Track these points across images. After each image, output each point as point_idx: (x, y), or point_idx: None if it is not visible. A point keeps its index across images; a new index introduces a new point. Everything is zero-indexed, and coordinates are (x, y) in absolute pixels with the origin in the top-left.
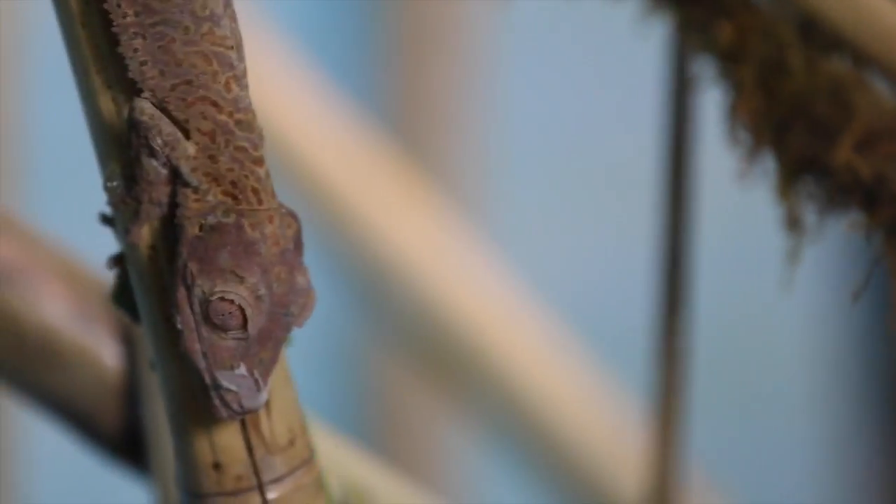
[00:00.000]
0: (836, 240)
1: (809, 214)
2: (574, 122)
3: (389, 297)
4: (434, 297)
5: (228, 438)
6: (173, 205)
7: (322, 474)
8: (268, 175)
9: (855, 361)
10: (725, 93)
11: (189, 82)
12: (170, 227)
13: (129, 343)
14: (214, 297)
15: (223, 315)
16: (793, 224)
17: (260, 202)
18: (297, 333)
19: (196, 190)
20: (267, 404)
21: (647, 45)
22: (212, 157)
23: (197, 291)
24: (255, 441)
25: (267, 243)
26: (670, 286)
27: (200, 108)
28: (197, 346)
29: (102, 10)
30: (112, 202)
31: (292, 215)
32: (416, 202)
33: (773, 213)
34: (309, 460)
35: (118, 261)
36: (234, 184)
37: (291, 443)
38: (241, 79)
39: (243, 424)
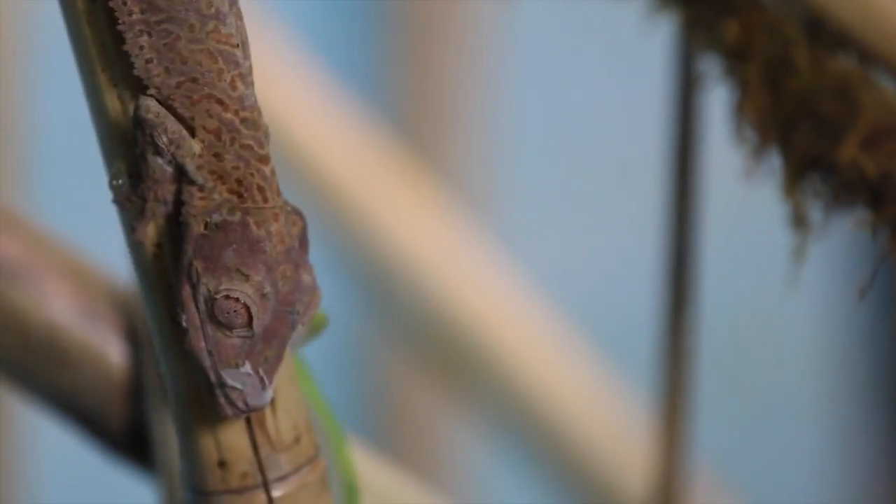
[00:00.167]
0: (842, 237)
1: (815, 212)
2: (580, 121)
3: (396, 295)
4: (440, 295)
5: (234, 436)
6: (179, 203)
7: (327, 472)
8: (273, 173)
9: (861, 359)
10: (731, 91)
11: (194, 80)
12: (175, 226)
13: (135, 341)
14: (220, 296)
15: (228, 313)
16: (799, 222)
17: (265, 200)
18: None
19: (201, 188)
20: (272, 402)
21: (654, 43)
22: (217, 155)
23: (202, 289)
24: (260, 439)
25: (272, 241)
26: (676, 284)
27: (206, 106)
28: (202, 345)
29: (108, 8)
30: (117, 200)
31: (297, 213)
32: (422, 200)
33: (779, 211)
34: (314, 458)
35: None
36: (239, 182)
37: (297, 441)
38: (246, 77)
39: (248, 422)
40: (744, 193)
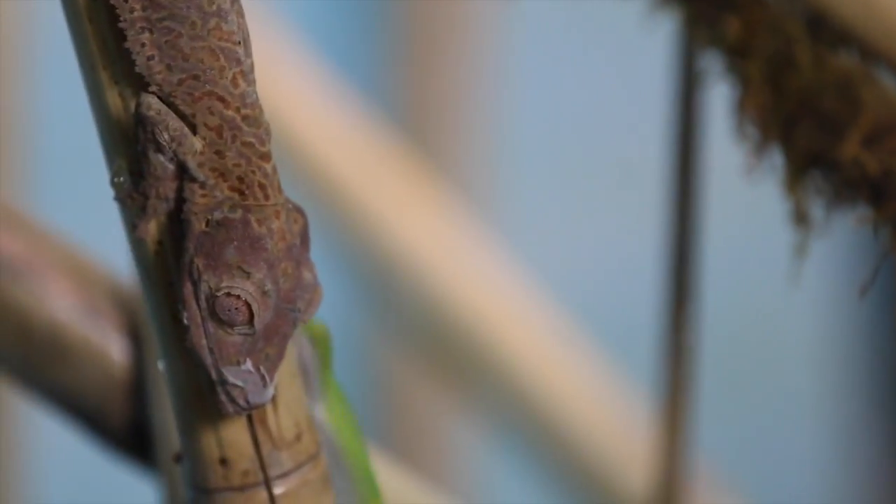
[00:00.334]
0: (843, 235)
1: (817, 209)
2: (582, 118)
3: (397, 292)
4: (442, 293)
5: (235, 434)
6: (180, 200)
7: (329, 470)
8: (275, 170)
9: (863, 356)
10: (733, 88)
11: (196, 77)
12: (177, 223)
13: (136, 339)
14: (221, 293)
15: (229, 310)
16: (800, 219)
17: (266, 197)
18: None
19: (203, 185)
20: (273, 400)
21: (655, 40)
22: (219, 153)
23: (203, 287)
24: (261, 436)
25: (273, 239)
26: (678, 282)
27: (207, 104)
28: (203, 342)
29: (109, 6)
30: (119, 197)
31: (299, 210)
32: (424, 198)
33: (780, 208)
34: (315, 455)
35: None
36: (240, 179)
37: (298, 438)
38: (248, 74)
39: (250, 420)
40: (745, 191)
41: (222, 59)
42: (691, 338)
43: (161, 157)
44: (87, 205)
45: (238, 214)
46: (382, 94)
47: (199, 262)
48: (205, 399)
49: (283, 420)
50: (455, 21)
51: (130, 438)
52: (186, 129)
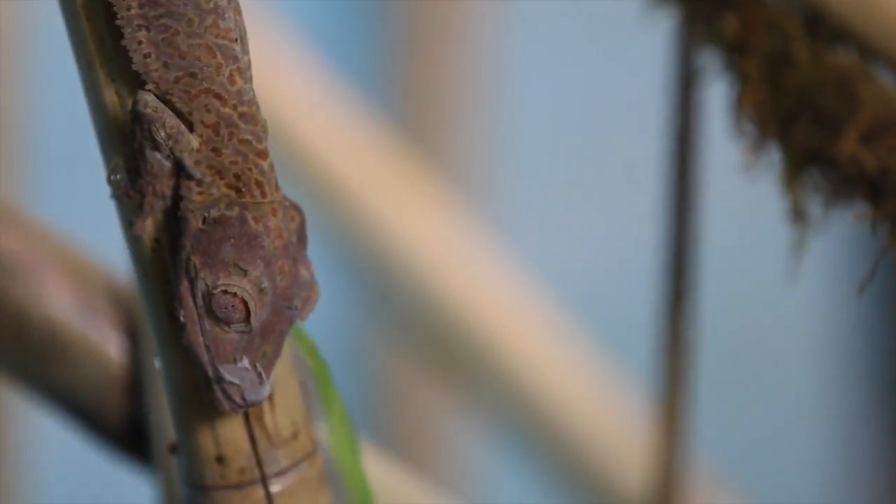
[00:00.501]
0: (841, 232)
1: (815, 206)
2: (580, 115)
3: (395, 290)
4: (440, 291)
5: (232, 431)
6: (177, 198)
7: (325, 468)
8: (272, 168)
9: (861, 353)
10: (731, 85)
11: (193, 75)
12: (173, 220)
13: (133, 336)
14: (217, 291)
15: (226, 308)
16: (798, 216)
17: (263, 195)
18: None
19: (200, 182)
20: (270, 397)
21: (653, 38)
22: (215, 150)
23: (200, 284)
24: (258, 434)
25: (270, 236)
26: (676, 278)
27: (204, 101)
28: (200, 340)
29: (106, 3)
30: (115, 195)
31: (296, 208)
32: (422, 195)
33: (778, 206)
34: (312, 453)
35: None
36: (237, 177)
37: (295, 436)
38: (244, 71)
39: (246, 417)
40: (743, 188)
41: (219, 57)
42: (689, 335)
43: (158, 155)
44: (84, 202)
45: (235, 212)
46: (381, 91)
47: (196, 260)
48: (201, 396)
49: (279, 418)
50: (453, 19)
51: (127, 436)
52: (183, 127)
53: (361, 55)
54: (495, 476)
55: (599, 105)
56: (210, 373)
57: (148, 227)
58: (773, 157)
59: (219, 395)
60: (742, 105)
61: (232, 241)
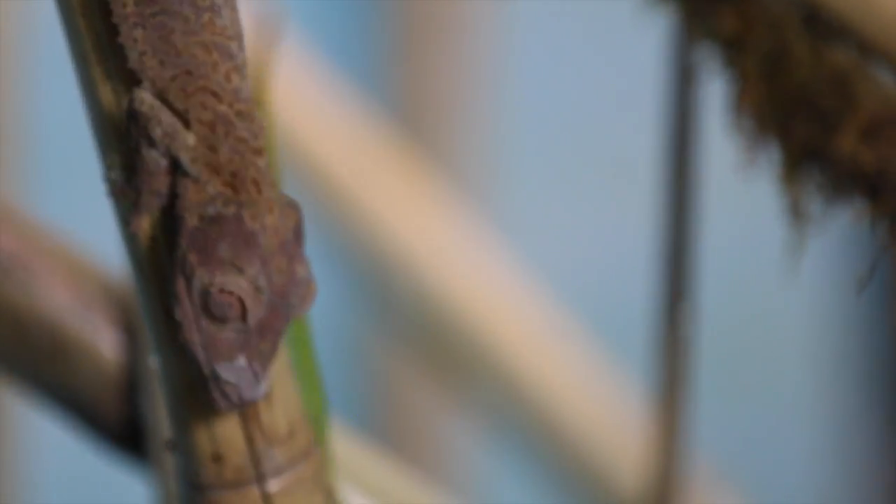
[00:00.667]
0: (840, 230)
1: (813, 204)
2: (579, 112)
3: (393, 288)
4: (438, 289)
5: (228, 430)
6: (173, 195)
7: (322, 467)
8: (268, 165)
9: (859, 352)
10: (729, 83)
11: (189, 73)
12: (170, 218)
13: (129, 334)
14: (214, 289)
15: (222, 306)
16: (796, 214)
17: (260, 193)
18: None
19: (196, 180)
20: (267, 396)
21: (651, 35)
22: (212, 148)
23: (196, 283)
24: (255, 433)
25: (267, 234)
26: (674, 276)
27: (200, 99)
28: (196, 338)
29: (103, 1)
30: (112, 193)
31: (293, 205)
32: (419, 192)
33: (776, 204)
34: (309, 452)
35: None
36: (234, 174)
37: (292, 435)
38: (241, 69)
39: (243, 416)
40: (741, 186)
41: (215, 55)
42: (687, 333)
43: (154, 153)
44: (80, 200)
45: (231, 210)
46: (378, 88)
47: (192, 258)
48: (198, 395)
49: (276, 416)
50: (452, 16)
51: (124, 434)
52: (179, 125)
53: (360, 52)
54: (493, 474)
55: (598, 102)
56: (206, 371)
57: (144, 224)
58: (772, 154)
59: (215, 393)
60: (740, 102)
61: (228, 239)
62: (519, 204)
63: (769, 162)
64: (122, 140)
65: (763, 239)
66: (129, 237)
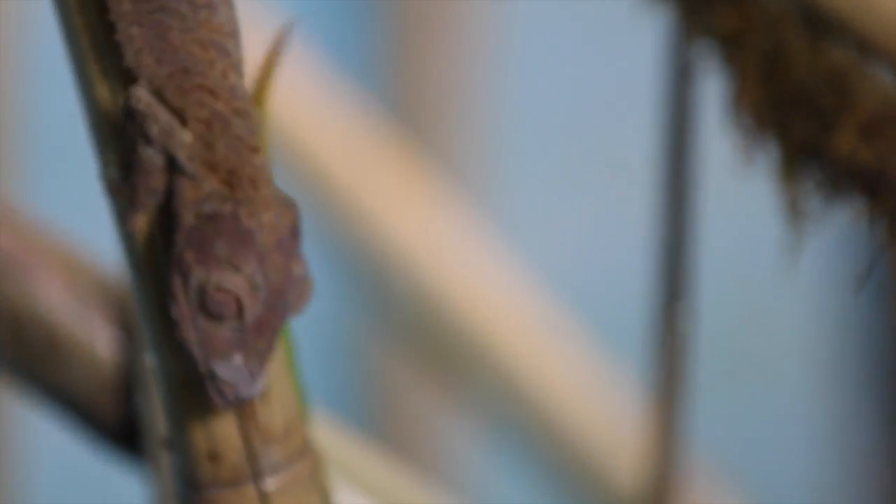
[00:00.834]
0: (839, 228)
1: (811, 202)
2: (577, 109)
3: (390, 286)
4: (435, 286)
5: (225, 428)
6: (170, 193)
7: (319, 464)
8: (265, 163)
9: (857, 350)
10: (727, 81)
11: (186, 70)
12: (167, 216)
13: (126, 332)
14: (210, 287)
15: (219, 304)
16: (795, 212)
17: (257, 191)
18: (296, 323)
19: (192, 178)
20: (263, 394)
21: (649, 32)
22: (208, 146)
23: (193, 281)
24: (251, 431)
25: (263, 232)
26: (671, 274)
27: (197, 97)
28: (192, 336)
29: None
30: (108, 191)
31: (290, 203)
32: (416, 189)
33: (774, 202)
34: (306, 450)
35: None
36: (230, 172)
37: (288, 433)
38: (237, 67)
39: (240, 414)
40: (739, 184)
41: (212, 52)
42: (685, 331)
43: (150, 151)
44: (77, 198)
45: (228, 208)
46: (377, 87)
47: (189, 256)
48: (194, 393)
49: (273, 415)
50: (450, 15)
51: (120, 432)
52: (176, 122)
53: (358, 50)
54: (491, 473)
55: (596, 100)
56: (203, 369)
57: (141, 222)
58: (770, 152)
59: (211, 391)
60: (738, 101)
61: (225, 237)
62: (517, 202)
63: (767, 160)
64: (119, 138)
65: (761, 237)
66: (126, 235)
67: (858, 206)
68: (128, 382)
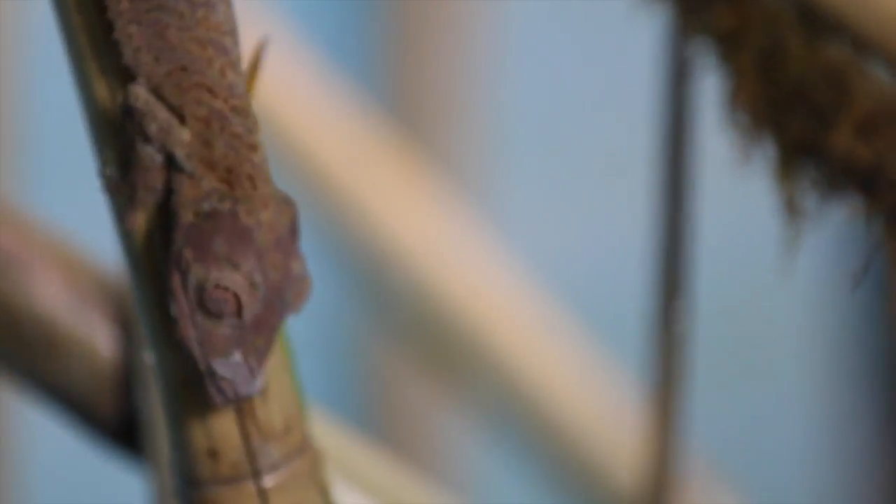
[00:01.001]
0: (836, 226)
1: (808, 200)
2: (575, 107)
3: (388, 283)
4: (433, 284)
5: (224, 426)
6: (168, 191)
7: (318, 462)
8: (264, 161)
9: (854, 347)
10: (724, 78)
11: (184, 68)
12: (165, 214)
13: (125, 330)
14: (209, 285)
15: (218, 302)
16: (792, 210)
17: (255, 188)
18: (294, 321)
19: (191, 176)
20: (263, 392)
21: (647, 31)
22: (207, 144)
23: (192, 278)
24: (250, 428)
25: (262, 230)
26: (669, 272)
27: (195, 95)
28: (191, 334)
29: None
30: (107, 189)
31: (288, 201)
32: (416, 190)
33: (771, 199)
34: (305, 448)
35: None
36: (229, 170)
37: (287, 430)
38: (235, 65)
39: (239, 412)
40: (736, 181)
41: (210, 50)
42: (682, 328)
43: (149, 149)
44: (76, 196)
45: (226, 206)
46: (374, 84)
47: (188, 254)
48: (193, 391)
49: (272, 412)
50: (448, 14)
51: (119, 430)
52: (174, 120)
53: (356, 49)
54: (490, 471)
55: (593, 99)
56: (202, 367)
57: (139, 220)
58: (767, 150)
59: (211, 389)
60: (735, 98)
61: (224, 234)
62: (515, 200)
63: (764, 158)
64: (118, 136)
65: (758, 235)
66: (125, 233)
67: (855, 203)
68: (127, 380)
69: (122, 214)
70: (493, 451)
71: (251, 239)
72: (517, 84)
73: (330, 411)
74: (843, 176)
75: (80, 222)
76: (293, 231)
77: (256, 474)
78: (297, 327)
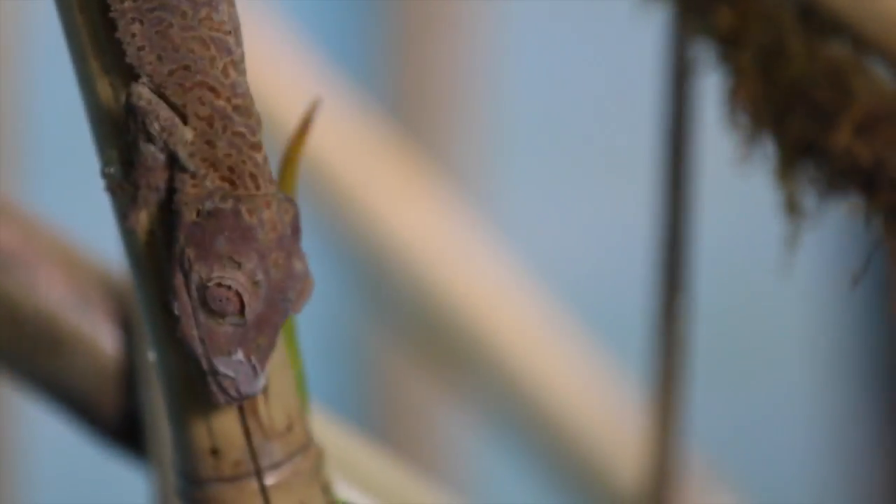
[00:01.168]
0: (835, 224)
1: (809, 199)
2: (575, 107)
3: (390, 282)
4: (435, 283)
5: (226, 424)
6: (171, 190)
7: (320, 460)
8: (266, 160)
9: (854, 346)
10: (725, 77)
11: (187, 67)
12: (168, 213)
13: (127, 329)
14: (212, 283)
15: (220, 301)
16: (792, 208)
17: (257, 187)
18: (297, 320)
19: (194, 175)
20: (265, 390)
21: (647, 29)
22: (209, 143)
23: (194, 277)
24: (252, 427)
25: (264, 229)
26: (670, 271)
27: (198, 94)
28: (194, 332)
29: None
30: (109, 188)
31: (290, 200)
32: (416, 188)
33: (772, 198)
34: (307, 446)
35: None
36: (231, 169)
37: (289, 428)
38: (238, 64)
39: (241, 410)
40: (737, 180)
41: (213, 49)
42: (683, 326)
43: (152, 148)
44: (78, 195)
45: (229, 205)
46: (375, 84)
47: (190, 253)
48: (196, 389)
49: (274, 410)
50: (449, 14)
51: (121, 428)
52: (177, 119)
53: (357, 49)
54: (490, 469)
55: (594, 98)
56: (204, 365)
57: (142, 219)
58: (767, 149)
59: (213, 387)
60: (736, 98)
61: (226, 233)
62: (516, 199)
63: (765, 157)
64: (120, 135)
65: (759, 233)
66: (127, 232)
67: (855, 202)
68: (129, 379)
69: (124, 213)
70: (493, 449)
71: (253, 238)
72: (517, 84)
73: (331, 409)
74: (842, 175)
75: (83, 221)
76: (295, 230)
77: (259, 472)
78: (299, 326)
